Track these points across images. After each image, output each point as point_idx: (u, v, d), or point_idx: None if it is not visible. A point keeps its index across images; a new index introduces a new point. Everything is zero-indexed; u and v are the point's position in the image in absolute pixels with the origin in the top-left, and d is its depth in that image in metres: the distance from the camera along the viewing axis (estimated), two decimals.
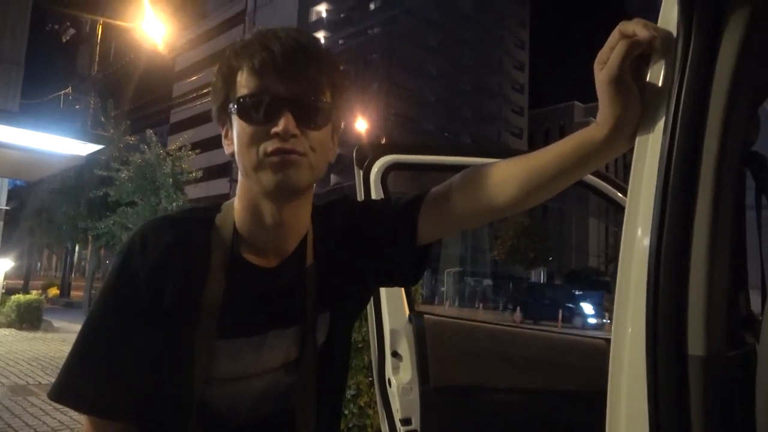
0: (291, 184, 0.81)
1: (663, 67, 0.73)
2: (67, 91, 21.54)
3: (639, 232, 0.73)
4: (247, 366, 0.86)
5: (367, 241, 0.96)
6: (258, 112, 0.79)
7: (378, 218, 0.98)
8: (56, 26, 22.50)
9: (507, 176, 0.88)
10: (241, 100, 0.81)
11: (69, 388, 0.82)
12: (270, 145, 0.79)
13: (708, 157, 0.68)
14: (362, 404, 3.64)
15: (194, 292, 0.83)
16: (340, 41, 50.19)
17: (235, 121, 0.82)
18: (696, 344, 0.66)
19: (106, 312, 0.83)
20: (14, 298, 11.64)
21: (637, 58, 0.73)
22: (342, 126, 0.93)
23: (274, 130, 0.78)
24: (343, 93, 0.88)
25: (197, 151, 16.44)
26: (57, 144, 9.11)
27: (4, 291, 12.66)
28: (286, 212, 0.86)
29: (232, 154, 0.85)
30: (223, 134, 0.89)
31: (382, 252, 0.96)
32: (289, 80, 0.79)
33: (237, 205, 0.89)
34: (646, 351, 0.68)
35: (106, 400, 0.81)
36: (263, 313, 0.87)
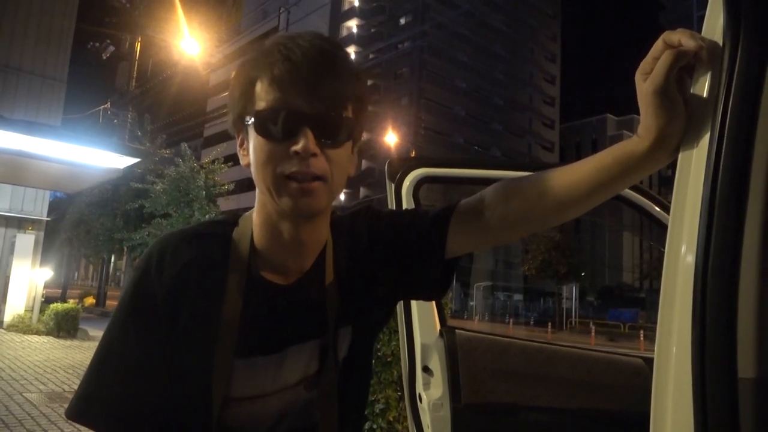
0: (309, 210, 0.79)
1: (709, 77, 0.70)
2: (106, 106, 22.26)
3: (683, 248, 0.70)
4: (265, 384, 0.83)
5: (393, 253, 0.93)
6: (276, 127, 0.76)
7: (406, 230, 0.95)
8: (97, 44, 23.37)
9: (544, 189, 0.84)
10: (259, 114, 0.77)
11: (86, 408, 0.80)
12: (289, 167, 0.75)
13: (757, 171, 0.65)
14: (391, 419, 3.61)
15: (211, 311, 0.81)
16: (371, 56, 50.63)
17: (252, 135, 0.79)
18: (747, 366, 0.62)
19: (122, 331, 0.81)
20: (52, 306, 11.99)
21: (680, 68, 0.71)
22: (362, 137, 0.89)
23: (294, 149, 0.74)
24: (366, 105, 0.84)
25: (230, 164, 16.73)
26: (96, 157, 9.43)
27: (43, 299, 13.06)
28: (304, 231, 0.84)
29: (248, 165, 0.82)
30: (238, 143, 0.85)
31: (410, 264, 0.93)
32: (310, 94, 0.75)
33: (255, 219, 0.86)
34: (693, 373, 0.65)
35: (123, 421, 0.79)
36: (281, 331, 0.84)
